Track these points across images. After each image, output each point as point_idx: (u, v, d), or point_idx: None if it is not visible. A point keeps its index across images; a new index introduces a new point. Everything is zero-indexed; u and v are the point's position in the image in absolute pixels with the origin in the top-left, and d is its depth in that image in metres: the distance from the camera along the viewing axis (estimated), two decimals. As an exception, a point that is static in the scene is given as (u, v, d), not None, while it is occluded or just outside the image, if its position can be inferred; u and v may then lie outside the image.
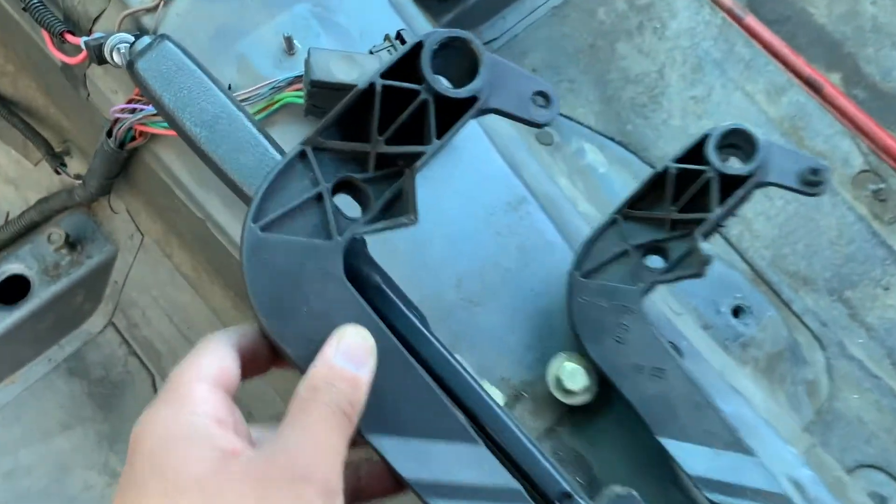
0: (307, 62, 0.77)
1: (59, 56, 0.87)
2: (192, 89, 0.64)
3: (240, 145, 0.62)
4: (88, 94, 0.96)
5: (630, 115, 1.30)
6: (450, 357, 0.63)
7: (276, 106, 0.83)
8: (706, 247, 0.73)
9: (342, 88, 0.77)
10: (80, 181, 1.08)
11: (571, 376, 0.76)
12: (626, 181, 1.26)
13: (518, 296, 0.82)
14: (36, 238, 1.15)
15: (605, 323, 0.76)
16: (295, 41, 0.84)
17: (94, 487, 1.14)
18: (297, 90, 0.82)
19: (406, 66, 0.53)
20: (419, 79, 0.52)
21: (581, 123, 1.28)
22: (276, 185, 0.54)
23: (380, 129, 0.53)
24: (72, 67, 0.94)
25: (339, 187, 0.55)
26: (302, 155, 0.55)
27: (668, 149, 1.30)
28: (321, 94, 0.78)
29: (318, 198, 0.54)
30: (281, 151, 0.65)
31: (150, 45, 0.67)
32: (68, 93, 1.04)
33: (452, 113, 0.53)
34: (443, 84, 0.53)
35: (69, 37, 0.85)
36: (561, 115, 1.28)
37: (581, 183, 1.22)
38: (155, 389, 1.18)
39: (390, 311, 0.63)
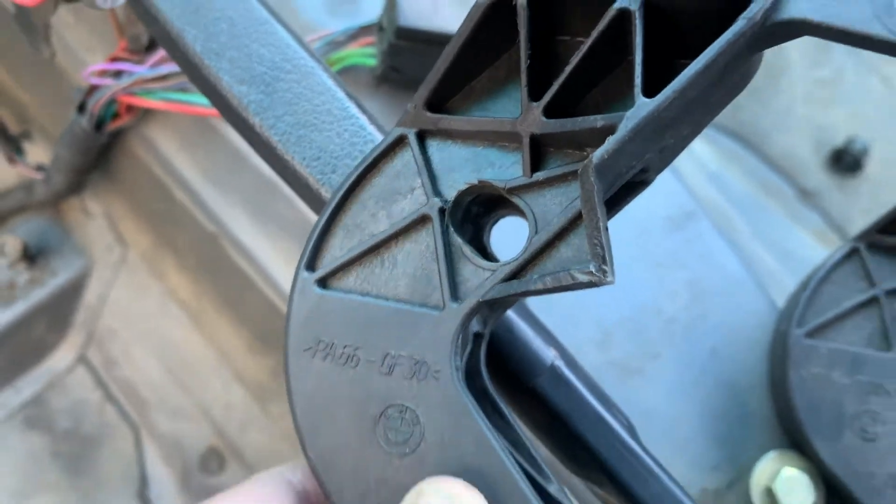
0: (392, 1, 0.50)
1: (7, -7, 0.60)
2: (236, 21, 0.38)
3: (316, 117, 0.36)
4: (54, 53, 0.68)
5: (743, 100, 1.04)
6: (681, 495, 0.38)
7: (334, 70, 0.55)
8: None
9: (443, 42, 0.50)
10: (43, 174, 0.80)
11: (791, 490, 0.51)
12: (741, 183, 1.00)
13: (693, 360, 0.56)
14: (-17, 248, 0.87)
15: (844, 409, 0.51)
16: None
17: (58, 579, 0.87)
18: (366, 46, 0.55)
19: None
20: None
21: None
22: (351, 202, 0.34)
23: (533, 88, 0.31)
24: (28, 13, 0.66)
25: (469, 202, 0.33)
26: (398, 145, 0.34)
27: (790, 142, 1.05)
28: (411, 51, 0.51)
29: (423, 222, 0.33)
30: (382, 129, 0.39)
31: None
32: (26, 53, 0.76)
33: (688, 42, 0.29)
34: None
35: (21, -36, 0.58)
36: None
37: (680, 191, 0.96)
38: (139, 449, 0.90)
39: (573, 408, 0.38)
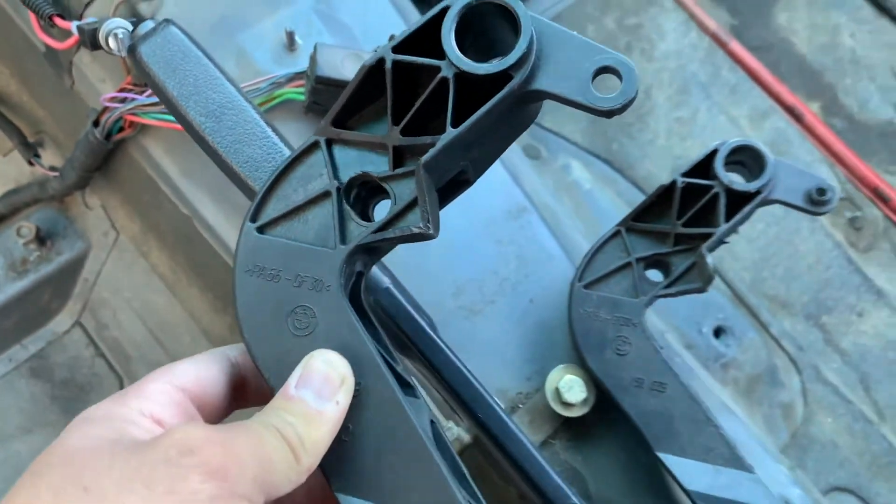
0: (313, 58, 0.75)
1: (46, 40, 0.84)
2: (199, 77, 0.62)
3: (246, 137, 0.59)
4: (73, 82, 0.92)
5: (616, 133, 1.31)
6: (461, 366, 0.62)
7: (275, 102, 0.80)
8: (711, 262, 0.73)
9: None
10: (56, 173, 1.03)
11: (570, 388, 0.75)
12: (610, 199, 1.26)
13: (517, 306, 0.81)
14: (4, 231, 1.09)
15: (606, 335, 0.75)
16: (296, 37, 0.82)
17: (53, 495, 1.08)
18: (298, 87, 0.80)
19: (425, 38, 0.44)
20: (440, 53, 0.43)
21: (568, 140, 1.28)
22: (282, 181, 0.49)
23: (395, 117, 0.46)
24: (57, 53, 0.90)
25: (359, 187, 0.49)
26: (313, 147, 0.49)
27: (652, 168, 1.30)
28: (326, 91, 0.76)
29: (326, 195, 0.48)
30: (289, 146, 0.62)
31: (154, 30, 0.64)
32: (48, 80, 1.00)
33: (481, 96, 0.43)
34: (466, 59, 0.43)
35: (58, 20, 0.82)
36: (548, 130, 1.28)
37: (567, 199, 1.22)
38: (122, 394, 1.13)
39: (398, 313, 0.62)
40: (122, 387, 1.14)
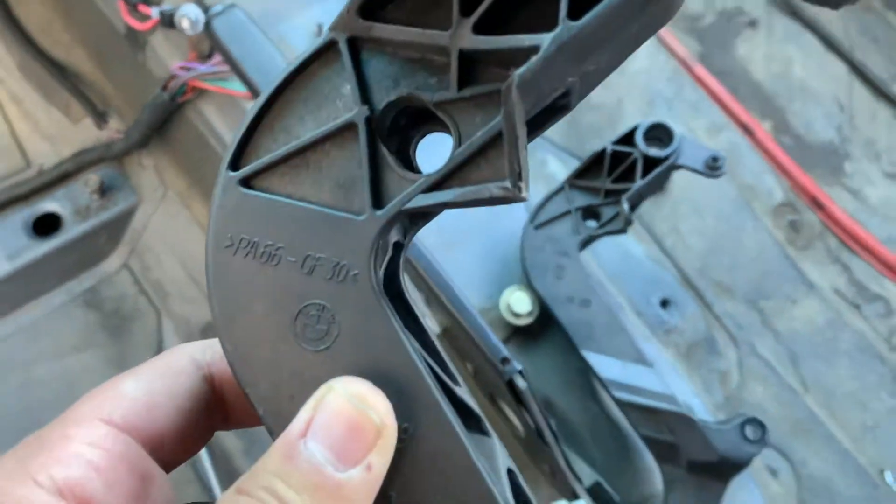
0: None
1: (131, 22, 1.08)
2: (254, 45, 0.86)
3: None
4: (146, 59, 1.16)
5: (589, 135, 1.53)
6: (433, 263, 0.84)
7: (305, 75, 1.04)
8: (628, 209, 0.95)
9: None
10: (122, 134, 1.27)
11: (518, 302, 0.97)
12: (581, 189, 1.49)
13: (486, 243, 1.03)
14: (72, 183, 1.33)
15: (548, 263, 0.97)
16: (324, 28, 1.06)
17: (98, 402, 1.30)
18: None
19: None
20: None
21: (547, 139, 1.51)
22: (279, 105, 0.33)
23: (464, 4, 0.30)
24: (137, 34, 1.14)
25: (397, 114, 0.33)
26: (329, 50, 0.33)
27: (619, 167, 1.53)
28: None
29: (350, 129, 0.32)
30: None
31: (223, 10, 0.88)
32: (122, 60, 1.24)
33: None
34: None
35: (142, 7, 1.06)
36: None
37: (543, 186, 1.44)
38: (159, 325, 1.36)
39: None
40: (159, 319, 1.36)
